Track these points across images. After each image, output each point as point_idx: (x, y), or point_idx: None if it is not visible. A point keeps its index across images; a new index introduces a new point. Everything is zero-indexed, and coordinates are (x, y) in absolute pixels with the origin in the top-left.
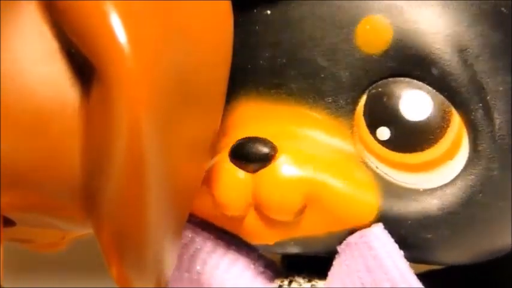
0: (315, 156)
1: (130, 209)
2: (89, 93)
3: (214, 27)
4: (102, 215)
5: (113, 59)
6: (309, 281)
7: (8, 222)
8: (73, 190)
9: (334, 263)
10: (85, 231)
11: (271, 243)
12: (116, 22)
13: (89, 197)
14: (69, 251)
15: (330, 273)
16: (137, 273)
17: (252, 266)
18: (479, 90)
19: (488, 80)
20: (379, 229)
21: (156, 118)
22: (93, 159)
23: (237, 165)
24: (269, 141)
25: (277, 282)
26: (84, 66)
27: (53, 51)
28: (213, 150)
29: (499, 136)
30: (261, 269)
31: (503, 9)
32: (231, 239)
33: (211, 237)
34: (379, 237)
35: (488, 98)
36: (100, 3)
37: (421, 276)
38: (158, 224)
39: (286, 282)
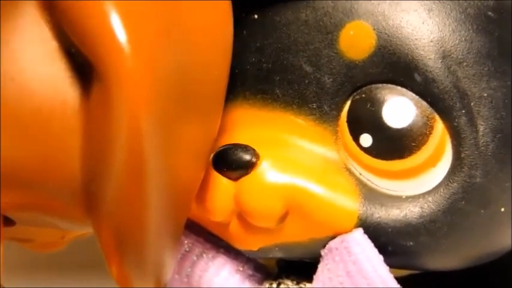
0: (297, 163)
1: (130, 208)
2: (89, 93)
3: (214, 27)
4: (102, 214)
5: (113, 59)
6: (298, 283)
7: (8, 222)
8: (73, 190)
9: (318, 266)
10: (85, 230)
11: (255, 249)
12: (116, 22)
13: (89, 197)
14: (69, 251)
15: (314, 277)
16: (137, 272)
17: (241, 269)
18: (463, 96)
19: (472, 85)
20: (359, 234)
21: (156, 118)
22: (93, 159)
23: (219, 172)
24: (251, 148)
25: (266, 285)
26: (84, 66)
27: (53, 51)
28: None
29: (482, 143)
30: (250, 272)
31: (490, 13)
32: (220, 242)
33: (200, 239)
34: (359, 242)
35: (472, 104)
36: (100, 3)
37: (404, 279)
38: (158, 224)
39: (274, 284)
